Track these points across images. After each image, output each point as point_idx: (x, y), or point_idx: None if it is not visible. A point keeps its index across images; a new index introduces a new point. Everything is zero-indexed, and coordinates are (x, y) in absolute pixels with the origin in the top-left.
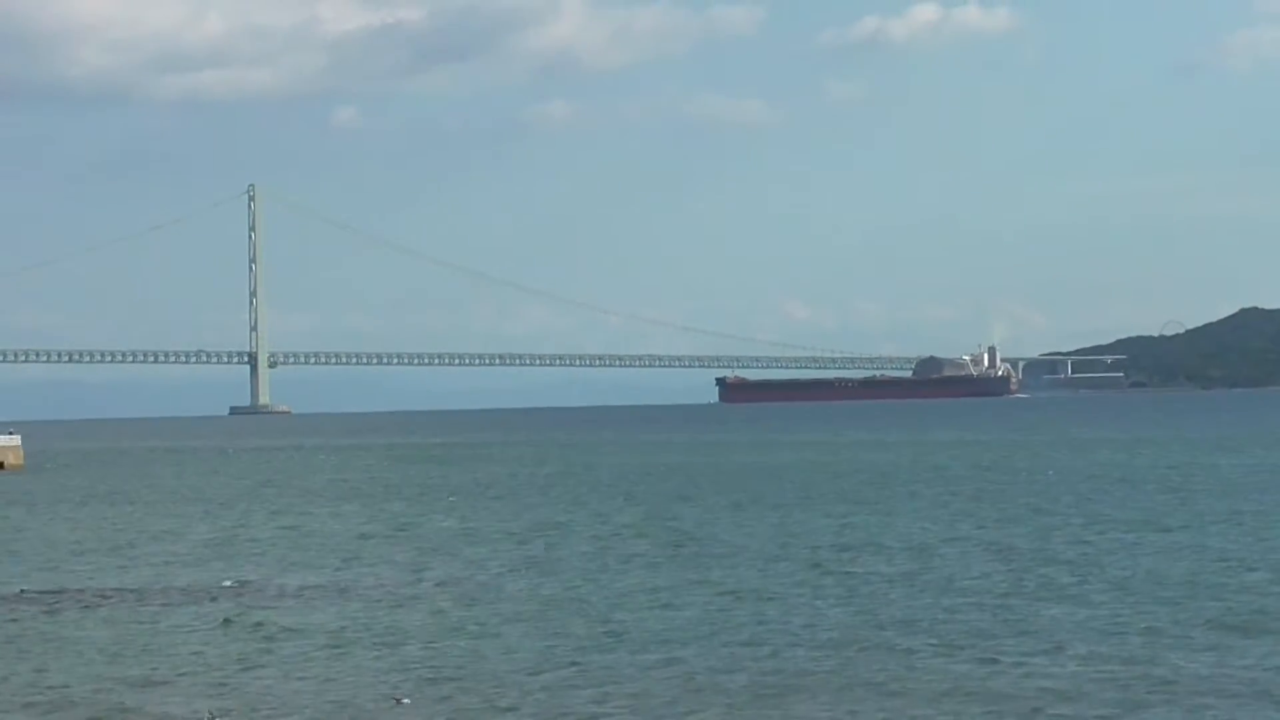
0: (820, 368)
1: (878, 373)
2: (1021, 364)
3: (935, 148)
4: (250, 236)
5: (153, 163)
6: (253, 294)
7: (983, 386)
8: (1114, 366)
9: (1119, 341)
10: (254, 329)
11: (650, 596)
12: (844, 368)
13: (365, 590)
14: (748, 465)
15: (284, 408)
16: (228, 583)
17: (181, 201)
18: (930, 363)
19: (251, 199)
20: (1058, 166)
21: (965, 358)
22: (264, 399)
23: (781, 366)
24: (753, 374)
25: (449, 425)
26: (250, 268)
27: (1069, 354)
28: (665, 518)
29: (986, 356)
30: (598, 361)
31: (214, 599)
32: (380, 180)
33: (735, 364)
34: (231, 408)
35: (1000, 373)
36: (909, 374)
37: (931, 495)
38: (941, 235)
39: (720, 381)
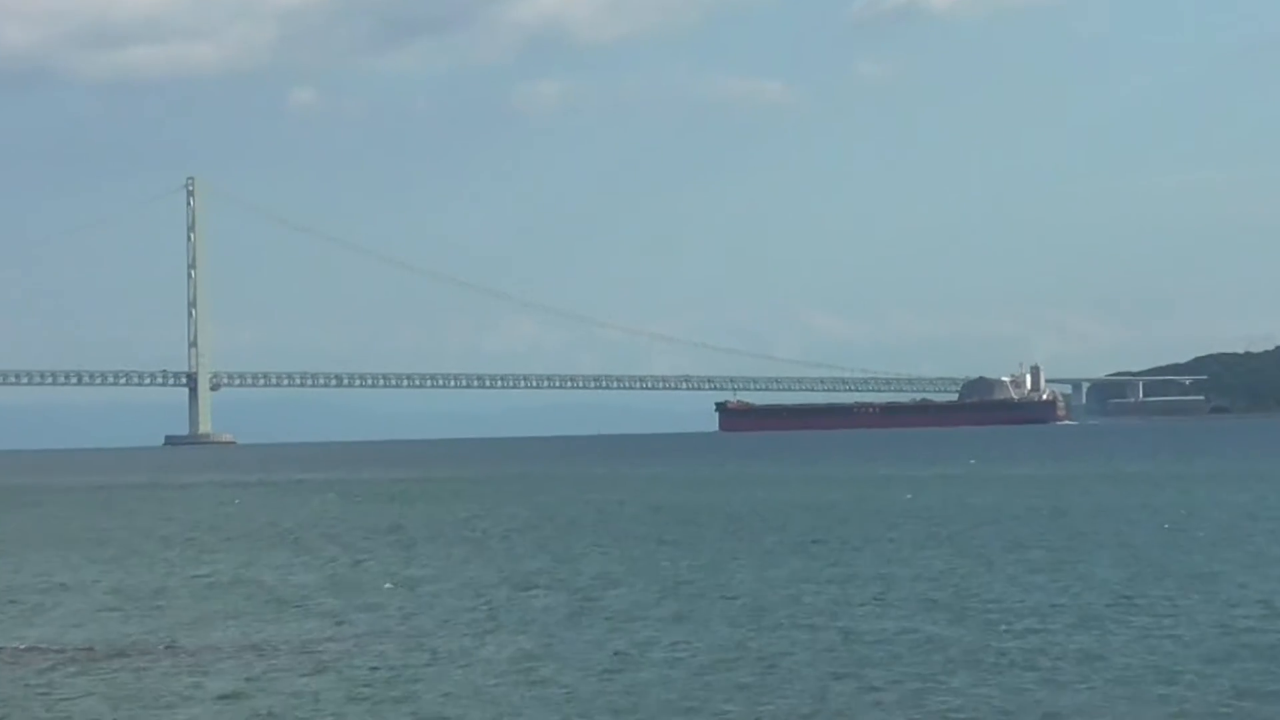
0: (850, 390)
1: (916, 396)
2: (1085, 386)
3: (980, 135)
4: (189, 238)
5: (76, 153)
6: (192, 305)
7: (1024, 413)
8: (1192, 388)
9: (1198, 359)
10: (193, 345)
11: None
12: (879, 390)
13: (302, 648)
14: (699, 505)
15: (227, 437)
16: (138, 638)
17: (109, 198)
18: (979, 384)
19: (191, 194)
20: (1123, 156)
21: (1005, 379)
22: (204, 427)
23: (805, 389)
24: (762, 398)
25: (418, 458)
26: (189, 274)
27: (1140, 374)
28: (571, 566)
29: (1029, 378)
30: (593, 383)
31: (118, 658)
32: (341, 173)
33: (752, 385)
34: (167, 437)
35: (1045, 396)
36: (954, 397)
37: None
38: (990, 236)
39: (720, 406)
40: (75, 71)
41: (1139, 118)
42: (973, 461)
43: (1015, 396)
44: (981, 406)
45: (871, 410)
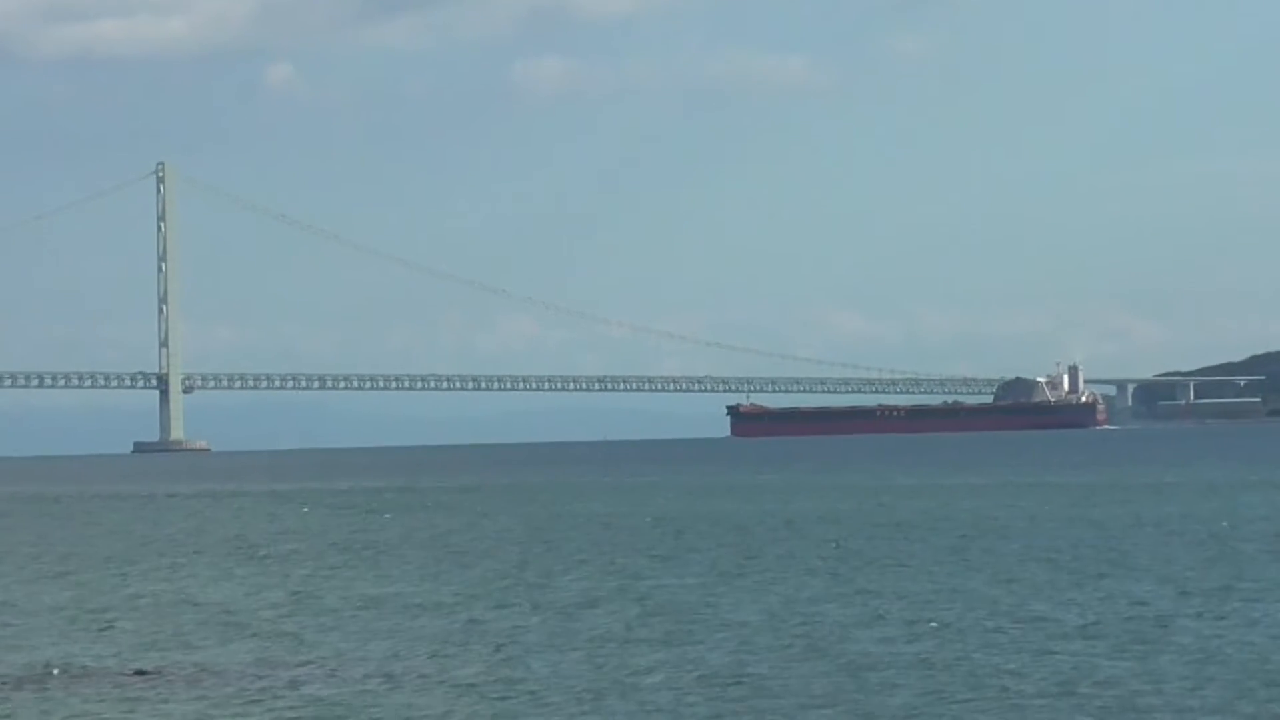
0: (877, 391)
1: (948, 398)
2: (1131, 387)
3: (1020, 118)
4: (159, 228)
5: (35, 135)
6: (162, 301)
7: (1060, 416)
8: (1247, 389)
9: (1254, 358)
10: (164, 345)
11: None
12: (908, 392)
13: (257, 672)
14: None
15: (202, 444)
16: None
17: (72, 185)
18: (1016, 385)
19: (161, 181)
20: (1174, 141)
21: (1040, 380)
22: (176, 433)
23: (828, 390)
24: (780, 400)
25: (406, 465)
26: (159, 268)
27: (1190, 374)
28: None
29: (1067, 378)
30: (596, 384)
31: (63, 683)
32: (324, 158)
33: (770, 387)
34: (136, 443)
35: (1084, 398)
36: (989, 399)
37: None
38: (1029, 227)
39: (732, 410)
40: (35, 47)
41: (1189, 100)
42: (999, 470)
43: (1051, 398)
44: (1015, 409)
45: (896, 413)
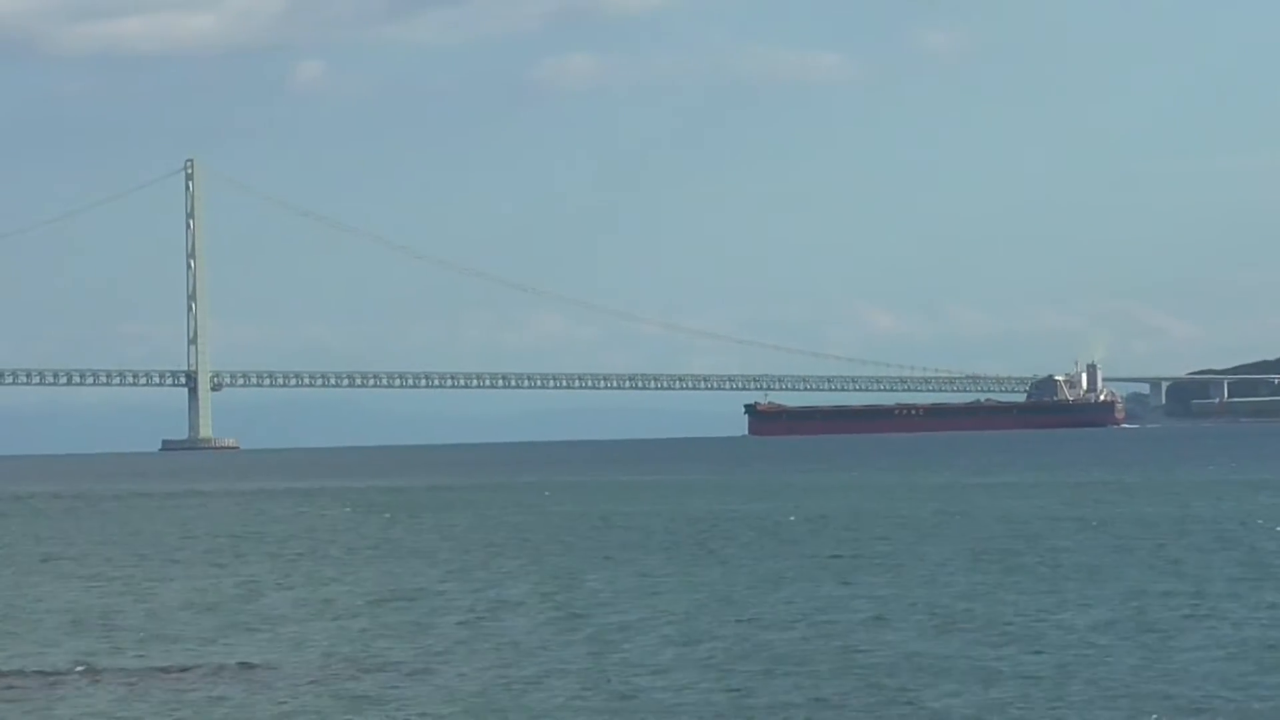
0: (909, 389)
1: (981, 396)
2: (1165, 385)
3: (1055, 112)
4: (188, 225)
5: (64, 133)
6: (191, 298)
7: (1078, 415)
8: None
9: None
10: (192, 342)
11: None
12: (940, 390)
13: (193, 674)
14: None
15: (231, 441)
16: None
17: (99, 182)
18: (1047, 384)
19: (190, 178)
20: (1210, 134)
21: (1059, 378)
22: (205, 431)
23: (859, 388)
24: (811, 398)
25: (430, 463)
26: (188, 265)
27: (1224, 373)
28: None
29: (1085, 377)
30: (626, 383)
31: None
32: (353, 155)
33: (801, 385)
34: (164, 442)
35: (1103, 396)
36: (1022, 398)
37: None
38: (1062, 224)
39: (750, 408)
40: (61, 44)
41: (1228, 92)
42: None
43: (1070, 397)
44: (1033, 408)
45: (915, 412)
